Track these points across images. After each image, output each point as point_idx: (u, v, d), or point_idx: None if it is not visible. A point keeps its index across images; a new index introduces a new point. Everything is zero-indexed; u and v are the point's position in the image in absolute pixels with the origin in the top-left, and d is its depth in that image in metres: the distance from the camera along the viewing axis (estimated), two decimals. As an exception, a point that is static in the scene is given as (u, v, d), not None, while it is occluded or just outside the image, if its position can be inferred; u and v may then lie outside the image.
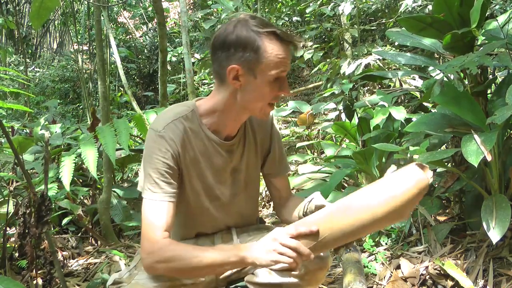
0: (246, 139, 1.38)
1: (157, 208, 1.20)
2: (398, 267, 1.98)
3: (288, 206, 1.44)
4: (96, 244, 2.82)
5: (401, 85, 3.50)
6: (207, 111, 1.29)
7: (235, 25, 1.18)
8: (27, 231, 1.74)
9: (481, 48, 2.05)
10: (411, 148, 2.01)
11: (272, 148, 1.43)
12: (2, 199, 2.41)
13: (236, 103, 1.24)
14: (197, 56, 7.43)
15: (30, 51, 10.95)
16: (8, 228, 2.32)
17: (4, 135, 2.22)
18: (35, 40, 11.48)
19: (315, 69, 5.46)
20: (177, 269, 1.16)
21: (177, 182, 1.26)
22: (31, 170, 3.15)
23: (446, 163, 2.26)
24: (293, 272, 1.31)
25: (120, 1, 7.56)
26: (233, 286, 1.42)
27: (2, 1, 6.72)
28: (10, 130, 3.93)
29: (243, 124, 1.36)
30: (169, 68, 7.62)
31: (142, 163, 1.26)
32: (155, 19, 8.26)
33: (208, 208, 1.36)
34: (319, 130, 4.46)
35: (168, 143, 1.23)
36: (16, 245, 1.98)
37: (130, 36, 10.22)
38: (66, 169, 2.02)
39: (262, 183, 3.62)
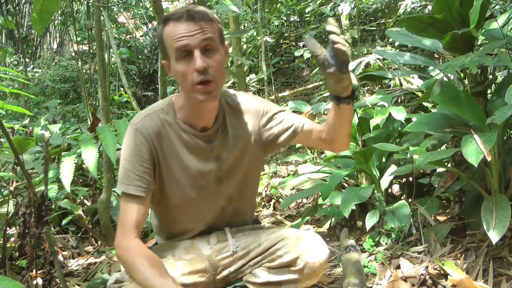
0: (224, 128, 1.38)
1: (129, 203, 1.26)
2: (398, 267, 1.97)
3: (322, 129, 1.42)
4: (96, 244, 2.82)
5: (401, 85, 3.49)
6: (179, 105, 1.34)
7: None
8: (27, 231, 1.73)
9: (481, 48, 2.05)
10: (411, 148, 2.01)
11: (270, 119, 1.43)
12: (2, 199, 2.41)
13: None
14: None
15: (30, 51, 10.94)
16: (8, 228, 2.32)
17: (4, 135, 2.21)
18: (35, 40, 11.48)
19: (315, 70, 5.45)
20: (130, 276, 1.27)
21: (152, 177, 1.30)
22: (31, 170, 3.15)
23: (446, 163, 2.26)
24: (291, 268, 1.32)
25: (120, 1, 7.56)
26: (231, 286, 1.42)
27: (2, 1, 6.71)
28: (10, 130, 3.93)
29: (221, 116, 1.37)
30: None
31: (121, 157, 1.30)
32: (155, 19, 8.25)
33: (196, 199, 1.37)
34: (319, 130, 4.44)
35: (143, 135, 1.28)
36: (16, 245, 1.98)
37: (130, 36, 10.21)
38: (67, 169, 2.02)
39: (262, 183, 3.58)
